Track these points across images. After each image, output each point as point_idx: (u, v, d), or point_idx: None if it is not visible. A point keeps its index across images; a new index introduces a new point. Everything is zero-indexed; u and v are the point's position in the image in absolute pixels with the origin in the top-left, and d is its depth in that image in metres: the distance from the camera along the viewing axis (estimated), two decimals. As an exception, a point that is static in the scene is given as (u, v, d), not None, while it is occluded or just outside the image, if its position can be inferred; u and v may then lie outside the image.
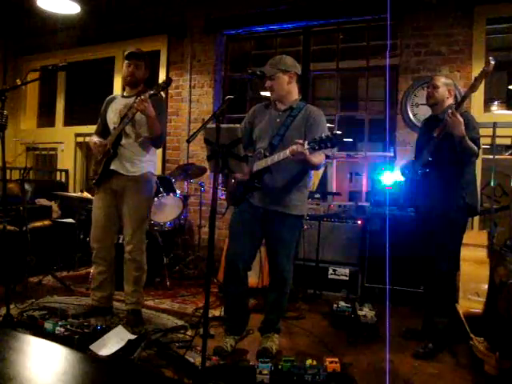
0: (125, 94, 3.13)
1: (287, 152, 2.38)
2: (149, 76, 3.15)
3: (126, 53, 3.07)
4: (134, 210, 3.00)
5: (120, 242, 3.46)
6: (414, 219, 3.27)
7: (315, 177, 4.67)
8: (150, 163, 3.11)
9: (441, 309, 2.78)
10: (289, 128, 2.61)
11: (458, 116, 2.56)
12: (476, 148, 2.65)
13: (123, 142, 3.00)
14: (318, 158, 2.50)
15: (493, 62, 2.44)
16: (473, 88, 2.57)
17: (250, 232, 2.67)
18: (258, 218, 2.66)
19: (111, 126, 3.06)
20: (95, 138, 3.09)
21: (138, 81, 3.06)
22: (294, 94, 2.70)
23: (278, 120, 2.67)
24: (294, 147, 2.33)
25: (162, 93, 2.94)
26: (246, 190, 2.65)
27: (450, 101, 2.85)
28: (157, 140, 2.99)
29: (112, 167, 3.00)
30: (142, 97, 2.78)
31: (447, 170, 2.78)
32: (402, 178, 3.25)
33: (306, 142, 2.30)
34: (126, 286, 3.06)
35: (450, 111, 2.59)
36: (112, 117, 3.07)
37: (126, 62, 3.03)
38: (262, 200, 2.64)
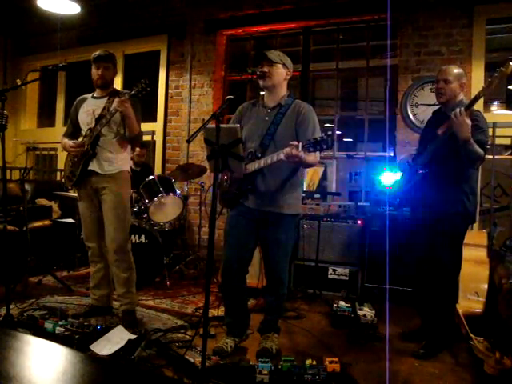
0: (95, 95, 3.12)
1: (281, 155, 2.33)
2: (146, 76, 3.14)
3: (92, 56, 3.05)
4: (113, 208, 2.99)
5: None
6: (409, 219, 3.20)
7: (315, 177, 4.66)
8: (125, 161, 3.13)
9: (441, 309, 2.75)
10: (279, 126, 2.56)
11: (466, 118, 2.37)
12: (482, 152, 2.47)
13: (99, 141, 3.01)
14: (312, 157, 2.44)
15: None
16: (487, 89, 2.39)
17: (246, 235, 2.63)
18: (252, 220, 2.62)
19: (84, 127, 3.06)
20: (67, 140, 3.09)
21: (108, 82, 3.08)
22: (284, 90, 2.66)
23: (266, 118, 2.61)
24: (289, 150, 2.27)
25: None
26: (239, 193, 2.61)
27: (462, 96, 2.64)
28: (135, 139, 3.05)
29: (90, 167, 3.01)
30: (123, 98, 2.80)
31: (449, 172, 2.63)
32: (400, 173, 3.05)
33: (301, 145, 2.22)
34: (117, 288, 3.05)
35: (457, 110, 2.39)
36: (85, 118, 3.07)
37: (94, 65, 3.04)
38: (255, 202, 2.59)
